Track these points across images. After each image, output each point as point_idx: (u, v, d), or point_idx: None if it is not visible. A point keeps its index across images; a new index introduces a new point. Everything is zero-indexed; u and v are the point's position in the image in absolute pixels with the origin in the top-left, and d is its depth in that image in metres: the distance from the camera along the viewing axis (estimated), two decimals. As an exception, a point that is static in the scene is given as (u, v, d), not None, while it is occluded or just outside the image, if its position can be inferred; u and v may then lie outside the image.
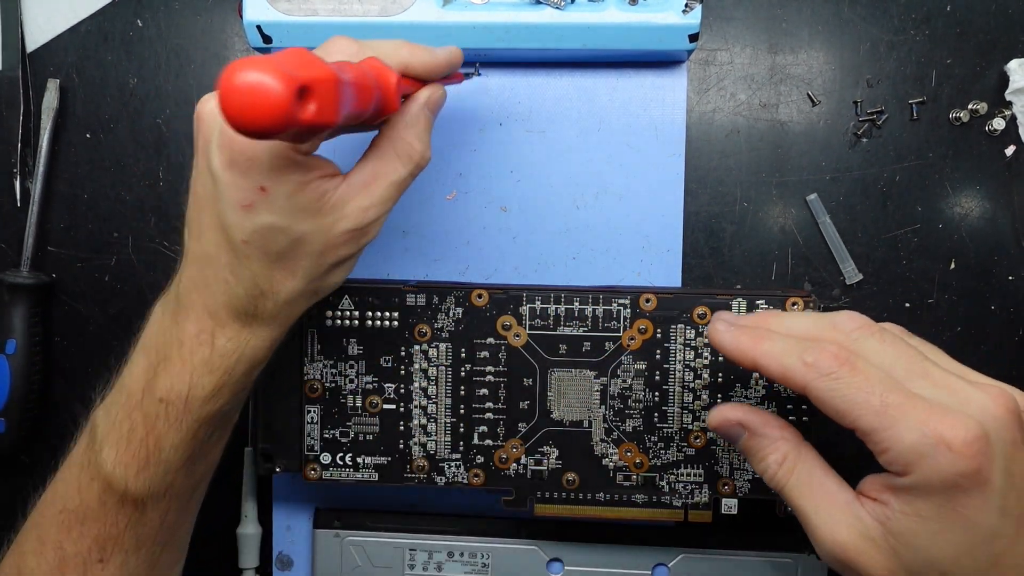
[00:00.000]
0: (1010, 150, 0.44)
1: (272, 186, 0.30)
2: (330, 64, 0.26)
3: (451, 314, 0.42)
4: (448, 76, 0.37)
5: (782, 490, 0.31)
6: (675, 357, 0.41)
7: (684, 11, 0.40)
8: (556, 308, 0.41)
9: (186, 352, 0.33)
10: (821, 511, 0.29)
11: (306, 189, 0.31)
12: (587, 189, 0.44)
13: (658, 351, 0.41)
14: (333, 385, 0.42)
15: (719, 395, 0.41)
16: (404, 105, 0.33)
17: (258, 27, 0.41)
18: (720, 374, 0.41)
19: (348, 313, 0.42)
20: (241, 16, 0.41)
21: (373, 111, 0.30)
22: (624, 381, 0.41)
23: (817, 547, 0.30)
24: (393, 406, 0.42)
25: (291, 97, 0.23)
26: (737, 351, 0.31)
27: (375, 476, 0.42)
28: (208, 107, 0.31)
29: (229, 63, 0.24)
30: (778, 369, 0.29)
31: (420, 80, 0.34)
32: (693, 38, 0.41)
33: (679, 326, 0.41)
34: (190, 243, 0.34)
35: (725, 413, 0.32)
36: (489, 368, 0.42)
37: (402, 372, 0.42)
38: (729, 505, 0.42)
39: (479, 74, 0.42)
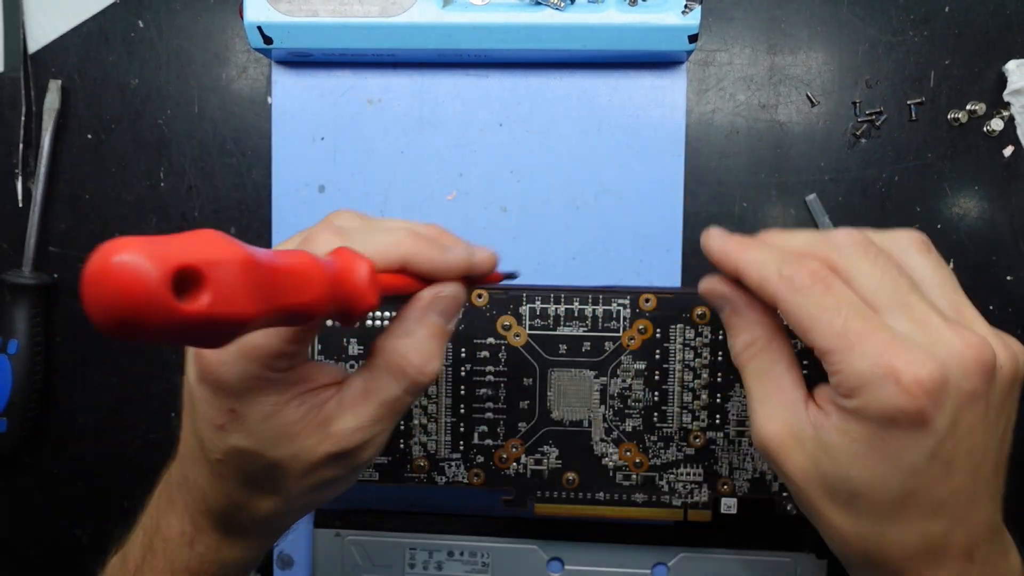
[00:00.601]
0: (1008, 151, 0.44)
1: (243, 409, 0.28)
2: (244, 246, 0.21)
3: (451, 314, 0.42)
4: (479, 277, 0.32)
5: (742, 371, 0.31)
6: (675, 357, 0.41)
7: (684, 12, 0.40)
8: (556, 308, 0.42)
9: (170, 550, 0.31)
10: (767, 400, 0.30)
11: (284, 410, 0.28)
12: (587, 189, 0.45)
13: (658, 351, 0.41)
14: (333, 385, 0.42)
15: (719, 395, 0.41)
16: (404, 307, 0.29)
17: (259, 28, 0.41)
18: (720, 374, 0.41)
19: (348, 313, 0.42)
20: (242, 17, 0.41)
21: (336, 306, 0.25)
22: (624, 381, 0.41)
23: (752, 432, 0.30)
24: (393, 406, 0.42)
25: (164, 284, 0.18)
26: (722, 255, 0.30)
27: (375, 476, 0.42)
28: None
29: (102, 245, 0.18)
30: (756, 278, 0.29)
31: (426, 278, 0.29)
32: (692, 39, 0.41)
33: (679, 326, 0.41)
34: (181, 434, 0.32)
35: (715, 284, 0.32)
36: (489, 368, 0.42)
37: (402, 372, 0.42)
38: (728, 504, 0.42)
39: (517, 276, 0.35)
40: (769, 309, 0.31)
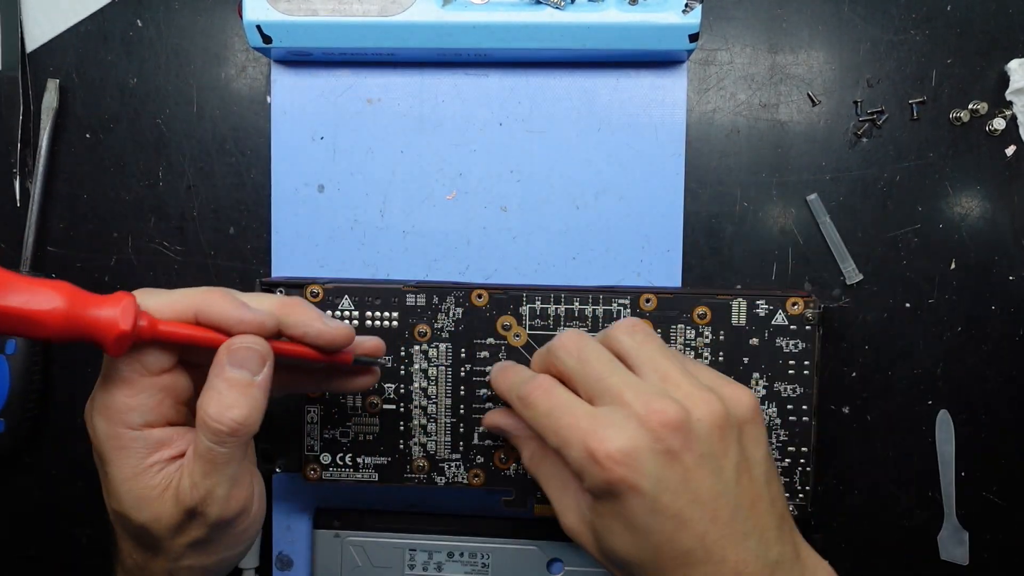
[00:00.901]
0: (1010, 150, 0.44)
1: (110, 471, 0.30)
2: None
3: (451, 314, 0.42)
4: (327, 351, 0.33)
5: (536, 477, 0.36)
6: (675, 357, 0.41)
7: (684, 11, 0.40)
8: (556, 308, 0.41)
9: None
10: (560, 499, 0.34)
11: (144, 475, 0.30)
12: (587, 189, 0.44)
13: (658, 351, 0.41)
14: (333, 385, 0.42)
15: (719, 395, 0.41)
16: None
17: (258, 27, 0.41)
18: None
19: (348, 313, 0.42)
20: (241, 16, 0.41)
21: (77, 328, 0.28)
22: (624, 381, 0.41)
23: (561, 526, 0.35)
24: (393, 406, 0.42)
25: None
26: (495, 386, 0.38)
27: (375, 476, 0.42)
28: None
29: None
30: (514, 405, 0.35)
31: (226, 332, 0.31)
32: (693, 38, 0.41)
33: (679, 326, 0.41)
34: None
35: (492, 419, 0.39)
36: (489, 368, 0.42)
37: (402, 372, 0.42)
38: (729, 505, 0.42)
39: (380, 365, 0.38)
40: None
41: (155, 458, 0.30)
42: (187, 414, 0.32)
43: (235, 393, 0.30)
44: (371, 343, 0.36)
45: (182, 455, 0.31)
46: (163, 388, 0.31)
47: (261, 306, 0.31)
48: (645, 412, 0.30)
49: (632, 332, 0.35)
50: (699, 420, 0.31)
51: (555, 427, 0.32)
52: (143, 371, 0.30)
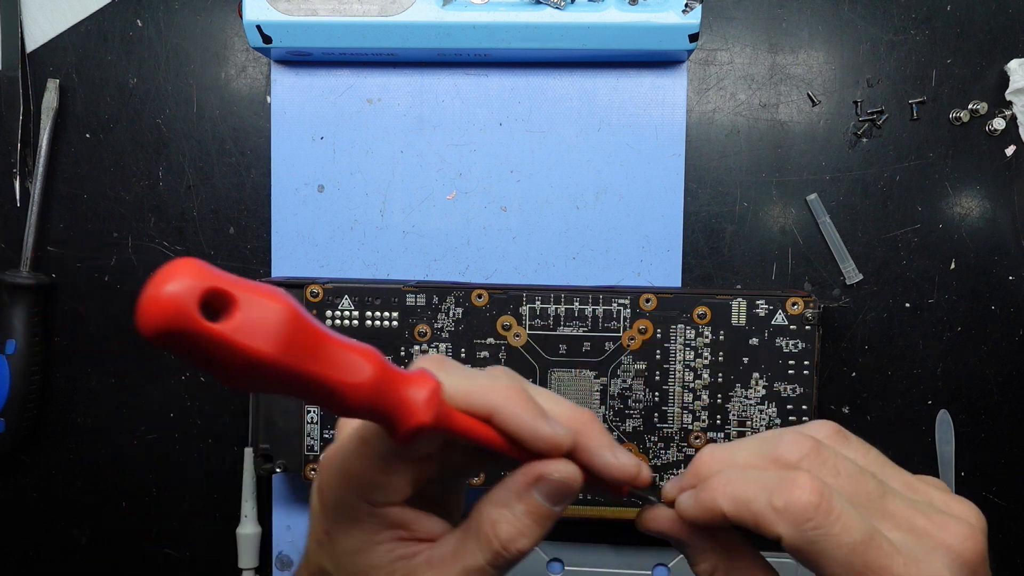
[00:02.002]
0: (1010, 150, 0.44)
1: (335, 535, 0.27)
2: (293, 302, 0.22)
3: (451, 314, 0.41)
4: (604, 481, 0.28)
5: None
6: (675, 357, 0.41)
7: (684, 11, 0.40)
8: (556, 308, 0.41)
9: None
10: None
11: (372, 551, 0.27)
12: (587, 189, 0.44)
13: (658, 351, 0.41)
14: (333, 385, 0.42)
15: (719, 395, 0.41)
16: (510, 475, 0.27)
17: (258, 27, 0.41)
18: (720, 374, 0.41)
19: (348, 313, 0.42)
20: (241, 16, 0.41)
21: (377, 408, 0.24)
22: (624, 381, 0.41)
23: None
24: (393, 406, 0.42)
25: (194, 298, 0.19)
26: (704, 513, 0.27)
27: (375, 476, 0.42)
28: (342, 421, 0.28)
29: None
30: (750, 518, 0.26)
31: (517, 443, 0.27)
32: (693, 38, 0.41)
33: (679, 326, 0.41)
34: None
35: (659, 524, 0.29)
36: (491, 367, 0.42)
37: (402, 372, 0.42)
38: (729, 505, 0.42)
39: (652, 503, 0.30)
40: (720, 527, 0.28)
41: (388, 535, 0.27)
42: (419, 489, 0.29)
43: (530, 522, 0.27)
44: (646, 476, 0.30)
45: (415, 539, 0.28)
46: (417, 470, 0.27)
47: (556, 413, 0.28)
48: (954, 538, 0.25)
49: (846, 440, 0.29)
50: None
51: (860, 565, 0.25)
52: (407, 454, 0.27)
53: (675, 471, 0.42)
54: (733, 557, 0.28)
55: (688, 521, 0.28)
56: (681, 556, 0.44)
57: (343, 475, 0.27)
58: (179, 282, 0.19)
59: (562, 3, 0.40)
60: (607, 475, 0.28)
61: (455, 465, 0.28)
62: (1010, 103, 0.43)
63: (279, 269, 0.45)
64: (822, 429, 0.29)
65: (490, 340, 0.41)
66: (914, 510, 0.27)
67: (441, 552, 0.27)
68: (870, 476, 0.27)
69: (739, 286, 0.44)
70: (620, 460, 0.28)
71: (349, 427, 0.28)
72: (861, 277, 0.44)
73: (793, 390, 0.41)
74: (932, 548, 0.26)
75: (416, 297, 0.41)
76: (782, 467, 0.27)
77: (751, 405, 0.41)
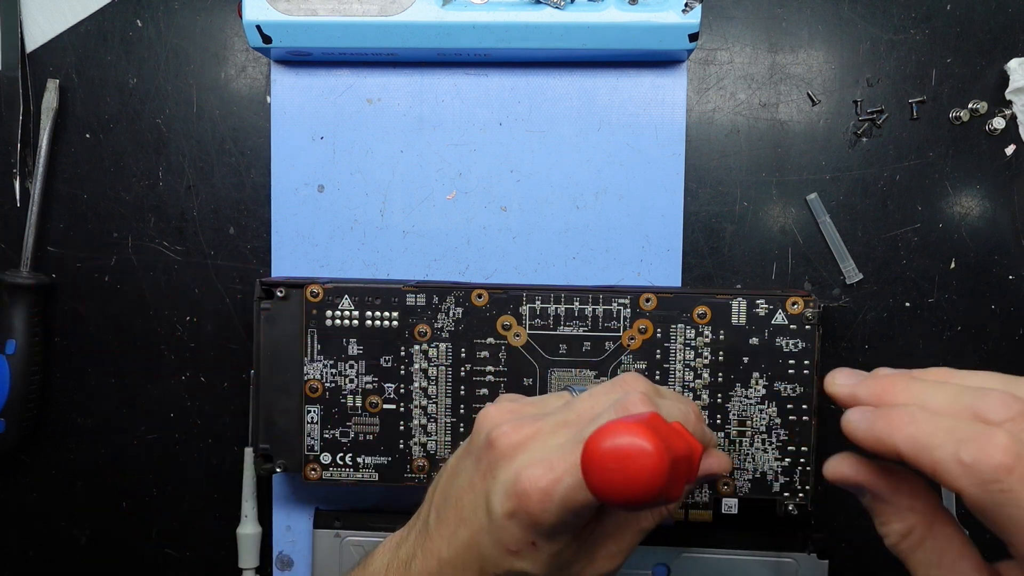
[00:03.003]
0: (1010, 149, 0.44)
1: (542, 543, 0.30)
2: (687, 435, 0.27)
3: (451, 314, 0.41)
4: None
5: (904, 562, 0.27)
6: (675, 357, 0.41)
7: (684, 11, 0.40)
8: (556, 308, 0.41)
9: None
10: None
11: (571, 546, 0.31)
12: (587, 189, 0.44)
13: (658, 351, 0.41)
14: (333, 385, 0.42)
15: (719, 395, 0.41)
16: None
17: (258, 27, 0.41)
18: (720, 374, 0.41)
19: (348, 313, 0.42)
20: (241, 16, 0.41)
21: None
22: (624, 381, 0.41)
23: None
24: (393, 406, 0.42)
25: (666, 471, 0.23)
26: (871, 438, 0.25)
27: (375, 476, 0.42)
28: (501, 431, 0.31)
29: (600, 430, 0.25)
30: (928, 464, 0.24)
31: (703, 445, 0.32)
32: (693, 38, 0.41)
33: (679, 326, 0.41)
34: (437, 530, 0.32)
35: (844, 471, 0.27)
36: (489, 368, 0.42)
37: (402, 372, 0.42)
38: (729, 505, 0.42)
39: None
40: (920, 486, 0.27)
41: (577, 531, 0.31)
42: None
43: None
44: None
45: (590, 525, 0.32)
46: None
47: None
48: None
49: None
50: None
51: None
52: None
53: (675, 471, 0.42)
54: (933, 524, 0.26)
55: (849, 437, 0.26)
56: (682, 556, 0.44)
57: (563, 504, 0.29)
58: (655, 454, 0.24)
59: (562, 3, 0.40)
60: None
61: None
62: (1010, 102, 0.43)
63: (279, 269, 0.45)
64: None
65: (490, 340, 0.42)
66: None
67: (615, 521, 0.32)
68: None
69: (739, 286, 0.44)
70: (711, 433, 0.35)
71: (570, 462, 0.29)
72: (861, 277, 0.44)
73: (793, 390, 0.41)
74: None
75: (416, 297, 0.41)
76: (979, 422, 0.24)
77: (751, 405, 0.41)
